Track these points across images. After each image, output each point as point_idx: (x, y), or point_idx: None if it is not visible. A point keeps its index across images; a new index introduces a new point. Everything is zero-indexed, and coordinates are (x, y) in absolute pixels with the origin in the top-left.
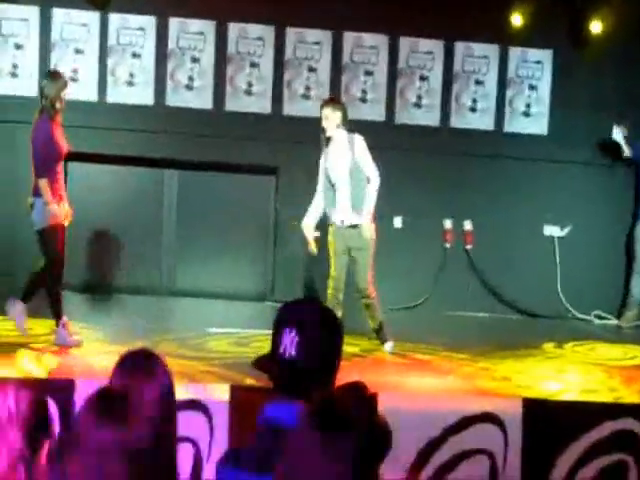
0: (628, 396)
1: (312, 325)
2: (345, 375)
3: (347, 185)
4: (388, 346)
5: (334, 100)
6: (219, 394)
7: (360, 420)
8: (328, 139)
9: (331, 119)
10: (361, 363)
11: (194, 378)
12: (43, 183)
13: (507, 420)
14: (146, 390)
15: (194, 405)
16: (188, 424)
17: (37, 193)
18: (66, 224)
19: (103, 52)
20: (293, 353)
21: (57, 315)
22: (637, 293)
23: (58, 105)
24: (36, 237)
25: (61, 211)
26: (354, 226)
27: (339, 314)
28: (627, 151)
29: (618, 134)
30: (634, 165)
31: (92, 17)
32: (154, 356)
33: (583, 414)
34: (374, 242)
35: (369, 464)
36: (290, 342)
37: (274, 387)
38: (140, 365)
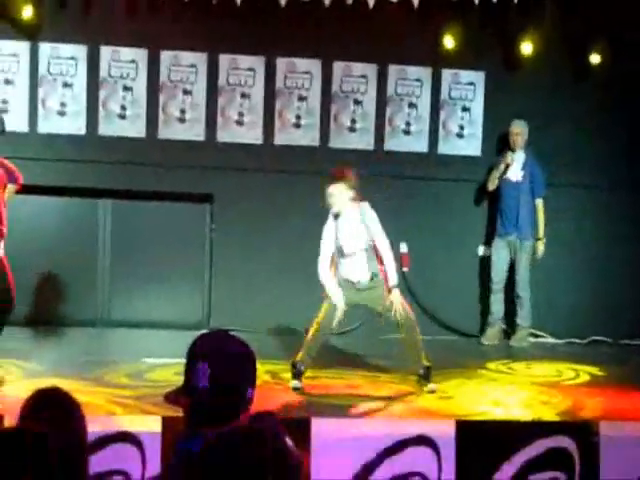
0: (561, 413)
1: (223, 357)
2: (272, 399)
3: (364, 255)
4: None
5: (343, 176)
6: (151, 425)
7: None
8: (337, 213)
9: (339, 197)
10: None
11: (127, 409)
12: None
13: (440, 442)
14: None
15: (126, 437)
16: (120, 456)
17: None
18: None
19: (33, 82)
20: (205, 385)
21: None
22: (497, 311)
23: None
24: None
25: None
26: (370, 287)
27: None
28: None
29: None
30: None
31: (22, 47)
32: (61, 396)
33: (516, 433)
34: None
35: None
36: (202, 374)
37: (187, 419)
38: (48, 407)
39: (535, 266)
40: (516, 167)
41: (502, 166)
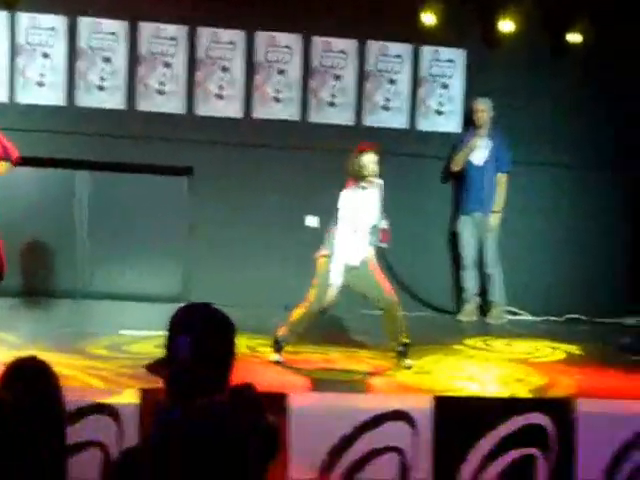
0: (537, 390)
1: (204, 328)
2: (251, 372)
3: (368, 233)
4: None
5: (376, 149)
6: (129, 397)
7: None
8: (365, 184)
9: (376, 166)
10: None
11: (105, 381)
12: None
13: (417, 417)
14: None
15: (103, 409)
16: (97, 427)
17: None
18: None
19: (13, 52)
20: (186, 356)
21: None
22: (471, 287)
23: None
24: None
25: None
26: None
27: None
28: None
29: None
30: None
31: (1, 17)
32: (38, 366)
33: (492, 409)
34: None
35: (259, 465)
36: (183, 345)
37: (167, 390)
38: (21, 375)
39: (511, 244)
40: (480, 149)
41: (467, 150)
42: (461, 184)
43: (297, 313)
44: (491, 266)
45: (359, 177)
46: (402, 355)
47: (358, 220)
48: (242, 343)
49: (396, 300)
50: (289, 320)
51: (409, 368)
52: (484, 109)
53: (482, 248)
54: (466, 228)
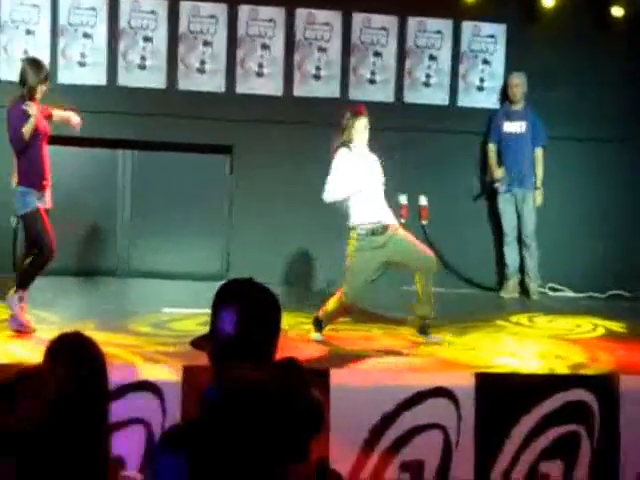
0: (580, 367)
1: (250, 304)
2: (292, 349)
3: (383, 195)
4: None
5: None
6: (171, 374)
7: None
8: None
9: (367, 131)
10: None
11: (147, 359)
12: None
13: (460, 394)
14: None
15: (145, 386)
16: (139, 405)
17: (19, 181)
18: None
19: (54, 33)
20: (231, 331)
21: (21, 297)
22: (513, 263)
23: (38, 95)
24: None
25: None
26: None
27: None
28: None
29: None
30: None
31: None
32: (83, 341)
33: (535, 386)
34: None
35: (303, 438)
36: (228, 321)
37: (214, 366)
38: (66, 350)
39: (552, 220)
40: (517, 120)
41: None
42: (498, 160)
43: (332, 303)
44: (531, 240)
45: (349, 141)
46: (425, 330)
47: (366, 183)
48: (284, 321)
49: (435, 259)
50: (326, 308)
51: (440, 343)
52: (518, 83)
53: (521, 223)
54: (508, 204)
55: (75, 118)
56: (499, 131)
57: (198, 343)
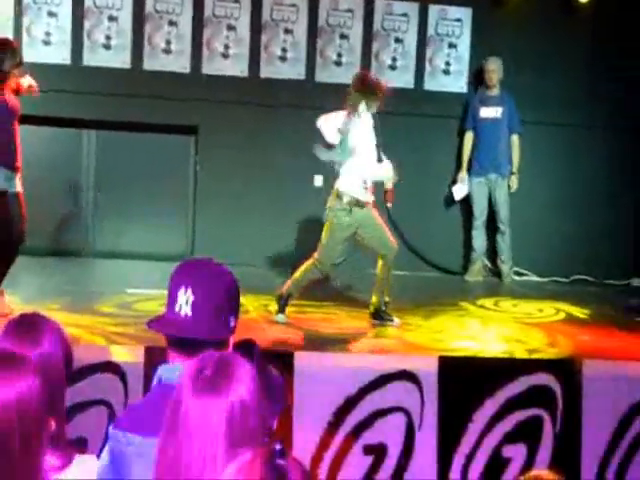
0: (544, 351)
1: (207, 284)
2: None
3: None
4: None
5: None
6: (134, 356)
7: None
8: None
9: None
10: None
11: (110, 340)
12: None
13: (423, 377)
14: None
15: (108, 367)
16: (102, 386)
17: None
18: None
19: (18, 11)
20: (188, 312)
21: None
22: (479, 247)
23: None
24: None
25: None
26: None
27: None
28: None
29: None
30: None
31: None
32: (43, 322)
33: (499, 369)
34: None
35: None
36: (185, 301)
37: (169, 347)
38: (26, 331)
39: (519, 205)
40: (493, 105)
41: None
42: (473, 144)
43: (302, 272)
44: (504, 224)
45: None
46: (381, 315)
47: (366, 144)
48: (247, 302)
49: (396, 248)
50: (294, 275)
51: (398, 326)
52: (494, 69)
53: (495, 208)
54: (479, 189)
55: (33, 83)
56: (475, 117)
57: (154, 325)
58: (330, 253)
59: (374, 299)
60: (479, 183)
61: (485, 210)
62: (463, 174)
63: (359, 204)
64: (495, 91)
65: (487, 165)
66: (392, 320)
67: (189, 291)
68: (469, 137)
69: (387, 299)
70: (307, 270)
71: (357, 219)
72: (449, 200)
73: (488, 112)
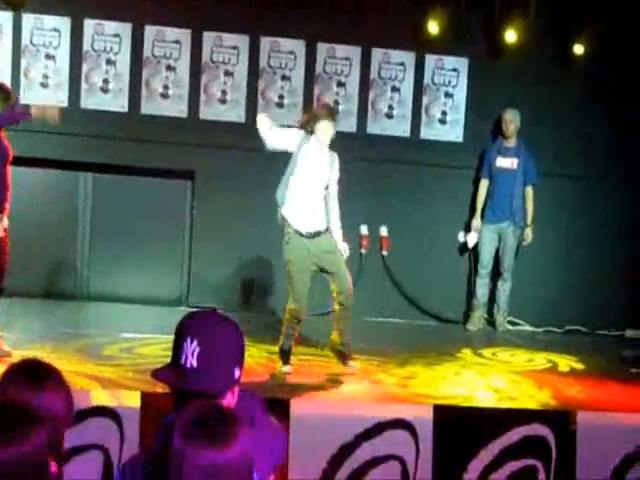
0: (539, 402)
1: (213, 336)
2: (257, 378)
3: (322, 197)
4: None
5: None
6: (130, 400)
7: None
8: (310, 139)
9: (331, 133)
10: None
11: (105, 384)
12: None
13: (418, 426)
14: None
15: (104, 412)
16: (98, 431)
17: None
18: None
19: (16, 53)
20: (194, 364)
21: None
22: (482, 296)
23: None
24: None
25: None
26: (321, 232)
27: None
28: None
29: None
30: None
31: (5, 17)
32: (45, 368)
33: (493, 420)
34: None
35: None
36: (191, 352)
37: (175, 397)
38: (29, 378)
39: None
40: (509, 156)
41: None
42: (488, 193)
43: (285, 318)
44: (508, 273)
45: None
46: (345, 356)
47: (308, 176)
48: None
49: (351, 296)
50: (282, 330)
51: (356, 369)
52: (512, 119)
53: (501, 255)
54: (490, 238)
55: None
56: (491, 166)
57: (159, 375)
58: (294, 288)
59: (334, 344)
60: (490, 231)
61: (492, 259)
62: (477, 222)
63: (307, 235)
64: (512, 142)
65: (500, 214)
66: (353, 365)
67: (195, 342)
68: (484, 185)
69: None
70: (286, 319)
71: (308, 249)
72: (446, 248)
73: (504, 162)
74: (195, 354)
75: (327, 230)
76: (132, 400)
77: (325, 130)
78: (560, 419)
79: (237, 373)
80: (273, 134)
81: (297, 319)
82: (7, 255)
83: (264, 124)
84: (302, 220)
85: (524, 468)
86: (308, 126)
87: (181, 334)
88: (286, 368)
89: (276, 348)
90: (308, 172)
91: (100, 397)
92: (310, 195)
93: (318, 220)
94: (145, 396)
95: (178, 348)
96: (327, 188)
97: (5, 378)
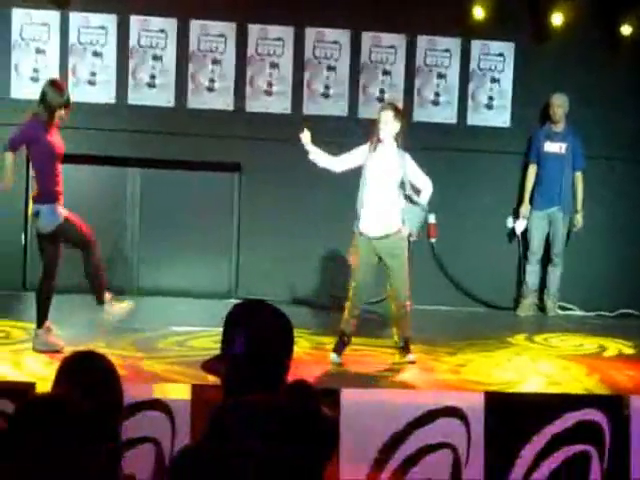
0: (591, 387)
1: (261, 326)
2: (306, 369)
3: (392, 198)
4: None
5: (397, 108)
6: (181, 393)
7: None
8: (377, 142)
9: (390, 126)
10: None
11: (156, 377)
12: None
13: (470, 414)
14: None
15: (156, 405)
16: (150, 424)
17: (41, 200)
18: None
19: (64, 51)
20: (242, 353)
21: (42, 318)
22: (532, 282)
23: (56, 117)
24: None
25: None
26: (387, 236)
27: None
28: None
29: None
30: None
31: (52, 16)
32: (97, 361)
33: (545, 405)
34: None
35: (316, 460)
36: (239, 342)
37: (224, 388)
38: (82, 369)
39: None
40: (557, 140)
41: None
42: (536, 178)
43: (345, 311)
44: (559, 258)
45: (376, 135)
46: (405, 350)
47: (375, 178)
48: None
49: (406, 305)
50: (342, 317)
51: (414, 363)
52: (560, 104)
53: (552, 241)
54: (539, 224)
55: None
56: (539, 151)
57: (208, 366)
58: (355, 283)
59: (399, 336)
60: (540, 217)
61: (542, 245)
62: (525, 208)
63: (373, 236)
64: (560, 126)
65: (549, 199)
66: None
67: (243, 333)
68: (532, 171)
69: (409, 335)
70: (345, 311)
71: (372, 246)
72: (494, 234)
73: (552, 147)
74: (244, 344)
75: (398, 232)
76: (183, 393)
77: (381, 121)
78: (613, 404)
79: (286, 362)
80: (338, 164)
81: (355, 307)
82: (86, 226)
83: (317, 157)
84: (369, 224)
85: (577, 454)
86: (373, 133)
87: (230, 325)
88: (333, 356)
89: (325, 339)
90: (374, 178)
91: (152, 390)
92: (379, 200)
93: (387, 223)
94: (196, 388)
95: (227, 339)
96: (402, 185)
97: (60, 372)
